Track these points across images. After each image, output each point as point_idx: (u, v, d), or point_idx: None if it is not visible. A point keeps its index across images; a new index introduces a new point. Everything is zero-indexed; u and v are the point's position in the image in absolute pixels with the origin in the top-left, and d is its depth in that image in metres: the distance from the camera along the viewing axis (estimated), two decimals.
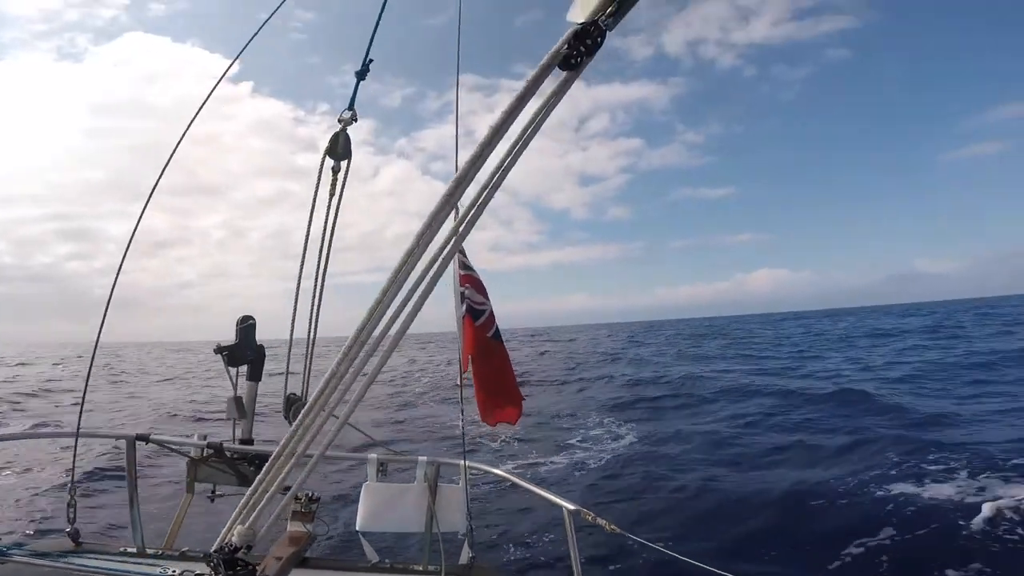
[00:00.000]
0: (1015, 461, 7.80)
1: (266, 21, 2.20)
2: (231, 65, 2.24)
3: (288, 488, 2.65)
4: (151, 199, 2.28)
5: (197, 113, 2.13)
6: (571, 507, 2.52)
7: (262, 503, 1.29)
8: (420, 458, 3.15)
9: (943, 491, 6.99)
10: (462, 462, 3.03)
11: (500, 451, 10.67)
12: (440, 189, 1.04)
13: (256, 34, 2.16)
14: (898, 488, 7.17)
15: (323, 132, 2.32)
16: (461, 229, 0.95)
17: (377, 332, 1.01)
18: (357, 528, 3.09)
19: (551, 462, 9.71)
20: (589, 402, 16.47)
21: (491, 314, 3.13)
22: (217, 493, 2.97)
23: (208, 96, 2.11)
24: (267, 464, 1.26)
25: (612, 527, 2.35)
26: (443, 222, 0.93)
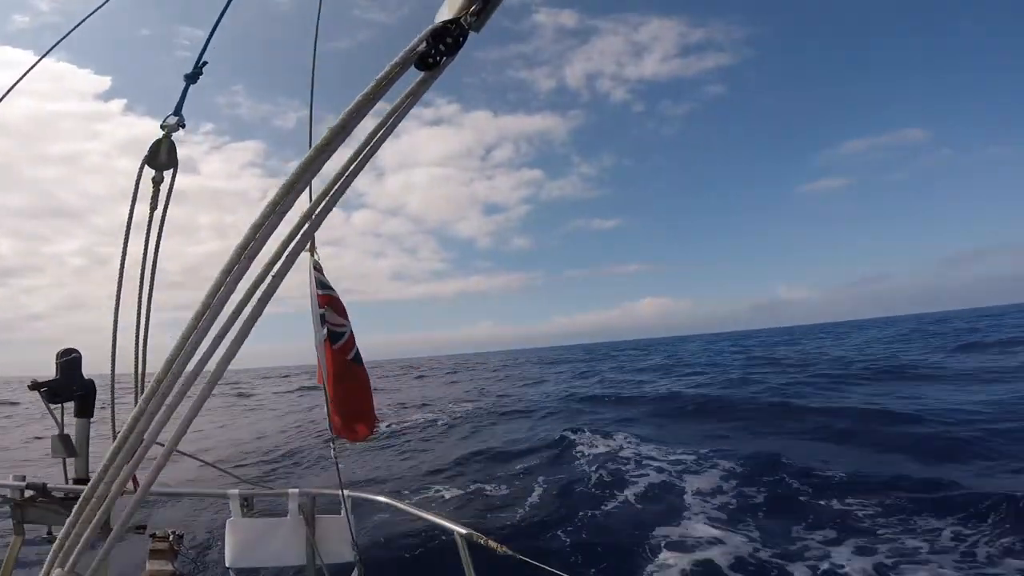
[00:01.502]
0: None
1: (95, 9, 1.93)
2: (46, 54, 1.96)
3: (140, 527, 2.36)
4: None
5: (2, 97, 1.85)
6: (462, 531, 2.46)
7: (79, 544, 1.15)
8: (291, 491, 2.96)
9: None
10: (340, 491, 2.85)
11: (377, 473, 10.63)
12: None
13: (84, 20, 1.90)
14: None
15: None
16: (295, 243, 0.82)
17: (203, 347, 0.88)
18: (227, 564, 2.88)
19: None
20: None
21: (351, 336, 2.99)
22: (52, 536, 2.69)
23: (14, 84, 1.83)
24: (79, 501, 1.11)
25: (503, 548, 2.32)
26: (269, 234, 0.80)
